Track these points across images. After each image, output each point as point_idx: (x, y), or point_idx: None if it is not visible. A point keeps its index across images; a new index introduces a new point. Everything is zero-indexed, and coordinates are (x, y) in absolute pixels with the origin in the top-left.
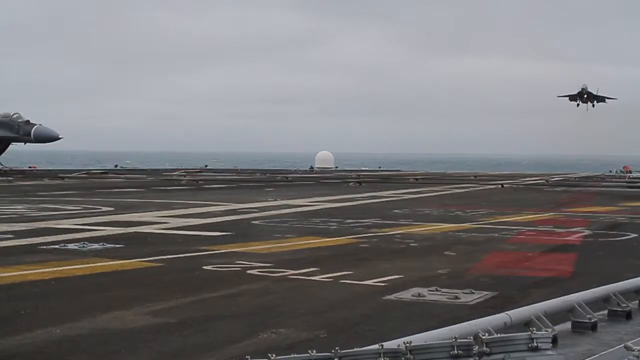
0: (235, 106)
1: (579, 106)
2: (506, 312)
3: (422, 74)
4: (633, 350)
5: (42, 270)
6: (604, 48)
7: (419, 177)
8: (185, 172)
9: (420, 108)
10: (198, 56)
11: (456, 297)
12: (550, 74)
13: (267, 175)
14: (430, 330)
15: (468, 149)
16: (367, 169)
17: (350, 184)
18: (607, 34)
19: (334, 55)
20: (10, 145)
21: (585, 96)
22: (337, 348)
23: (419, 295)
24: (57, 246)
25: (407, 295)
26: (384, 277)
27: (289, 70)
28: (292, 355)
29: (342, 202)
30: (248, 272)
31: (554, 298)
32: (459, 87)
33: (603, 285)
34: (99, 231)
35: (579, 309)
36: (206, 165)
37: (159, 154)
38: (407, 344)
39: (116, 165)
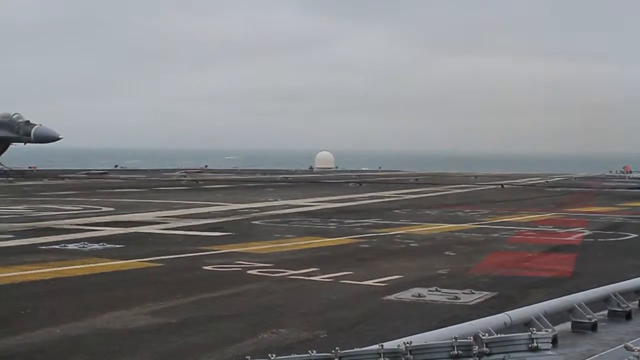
0: (238, 105)
1: None
2: (506, 312)
3: (426, 73)
4: (633, 351)
5: (42, 270)
6: (606, 47)
7: (419, 177)
8: (185, 172)
9: (424, 106)
10: (201, 56)
11: (456, 298)
12: (554, 73)
13: (267, 175)
14: (430, 330)
15: (470, 146)
16: (367, 169)
17: (350, 184)
18: (609, 32)
19: (340, 55)
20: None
21: None
22: (337, 348)
23: (419, 295)
24: (57, 246)
25: (407, 295)
26: (384, 277)
27: (292, 70)
28: (292, 355)
29: (342, 203)
30: (248, 272)
31: (554, 298)
32: (463, 86)
33: (603, 285)
34: (99, 231)
35: (579, 309)
36: (206, 165)
37: (160, 151)
38: (407, 344)
39: (116, 166)
